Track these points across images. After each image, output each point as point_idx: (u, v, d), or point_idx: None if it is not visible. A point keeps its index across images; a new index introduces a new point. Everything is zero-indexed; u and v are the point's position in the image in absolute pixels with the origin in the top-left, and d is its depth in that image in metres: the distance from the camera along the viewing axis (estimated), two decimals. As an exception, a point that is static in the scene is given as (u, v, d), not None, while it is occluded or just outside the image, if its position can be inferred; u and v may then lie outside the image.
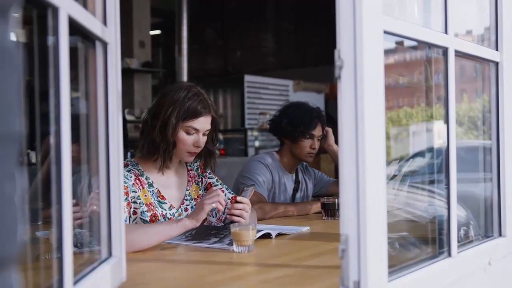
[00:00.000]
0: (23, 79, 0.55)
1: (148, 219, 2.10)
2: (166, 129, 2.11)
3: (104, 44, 1.30)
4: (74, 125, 1.02)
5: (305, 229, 2.28)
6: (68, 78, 0.99)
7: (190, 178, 2.33)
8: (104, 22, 1.31)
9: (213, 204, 1.93)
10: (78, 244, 1.29)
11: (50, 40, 0.98)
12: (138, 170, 2.17)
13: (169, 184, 2.24)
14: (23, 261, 0.79)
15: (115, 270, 1.30)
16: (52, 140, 0.98)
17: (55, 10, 0.96)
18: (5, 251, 0.53)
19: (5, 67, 0.51)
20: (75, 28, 1.07)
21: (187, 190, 2.30)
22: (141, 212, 2.10)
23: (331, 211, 2.57)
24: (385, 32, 1.21)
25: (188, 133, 2.14)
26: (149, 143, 2.15)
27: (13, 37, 0.54)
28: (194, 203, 2.29)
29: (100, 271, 1.21)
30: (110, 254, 1.32)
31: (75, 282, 1.05)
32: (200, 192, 2.34)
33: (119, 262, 1.34)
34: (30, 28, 1.01)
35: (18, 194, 0.54)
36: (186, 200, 2.28)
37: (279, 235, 2.12)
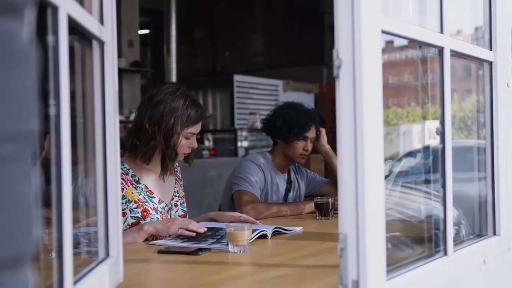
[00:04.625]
0: (38, 78, 0.55)
1: (139, 215, 2.13)
2: (171, 137, 2.18)
3: (101, 44, 1.29)
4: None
5: (299, 229, 2.28)
6: (68, 77, 0.98)
7: (176, 177, 2.40)
8: (101, 21, 1.30)
9: (179, 231, 2.01)
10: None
11: (49, 39, 0.97)
12: (123, 169, 2.19)
13: (157, 182, 2.28)
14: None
15: (112, 271, 1.30)
16: (51, 139, 0.97)
17: (55, 9, 0.95)
18: (23, 250, 0.52)
19: (22, 66, 0.51)
20: (72, 27, 1.06)
21: (175, 187, 2.36)
22: (130, 210, 2.12)
23: (324, 210, 2.57)
24: (383, 31, 1.22)
25: (187, 138, 2.22)
26: (151, 150, 2.19)
27: (28, 35, 0.54)
28: (182, 200, 2.37)
29: (98, 271, 1.20)
30: (107, 254, 1.31)
31: (75, 282, 1.04)
32: (183, 193, 2.43)
33: (117, 263, 1.33)
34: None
35: (33, 193, 0.54)
36: (176, 196, 2.34)
37: (275, 234, 2.12)
